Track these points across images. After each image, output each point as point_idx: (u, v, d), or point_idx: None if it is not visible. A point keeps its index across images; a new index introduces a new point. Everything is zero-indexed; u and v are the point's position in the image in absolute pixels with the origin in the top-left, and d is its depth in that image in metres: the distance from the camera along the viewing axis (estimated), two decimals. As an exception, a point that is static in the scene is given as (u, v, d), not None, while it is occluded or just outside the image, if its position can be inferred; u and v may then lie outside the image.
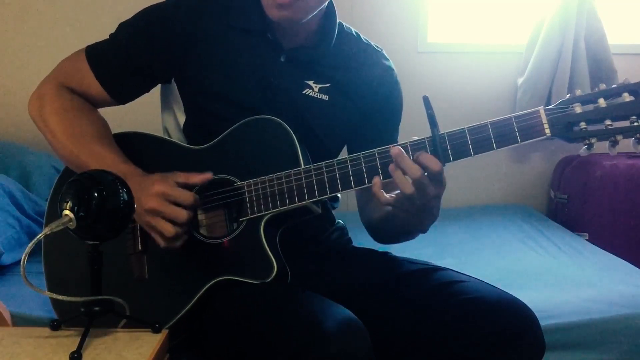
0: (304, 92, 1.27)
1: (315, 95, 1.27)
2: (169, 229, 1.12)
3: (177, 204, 1.13)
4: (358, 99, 1.31)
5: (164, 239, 1.14)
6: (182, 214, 1.13)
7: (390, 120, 1.37)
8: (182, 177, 1.17)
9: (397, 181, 1.08)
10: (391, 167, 1.09)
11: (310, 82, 1.27)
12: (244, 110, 1.23)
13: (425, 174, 1.06)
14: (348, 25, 1.36)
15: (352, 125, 1.32)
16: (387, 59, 1.37)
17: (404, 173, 1.07)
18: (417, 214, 1.12)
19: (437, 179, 1.07)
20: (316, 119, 1.27)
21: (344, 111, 1.30)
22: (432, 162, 1.06)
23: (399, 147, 1.09)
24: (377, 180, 1.10)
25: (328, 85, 1.28)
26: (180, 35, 1.25)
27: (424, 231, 1.21)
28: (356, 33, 1.36)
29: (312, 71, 1.28)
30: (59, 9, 2.41)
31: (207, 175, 1.18)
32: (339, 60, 1.30)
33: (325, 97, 1.28)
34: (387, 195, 1.11)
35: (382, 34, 2.49)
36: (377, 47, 1.37)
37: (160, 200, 1.12)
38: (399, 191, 1.09)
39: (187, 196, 1.14)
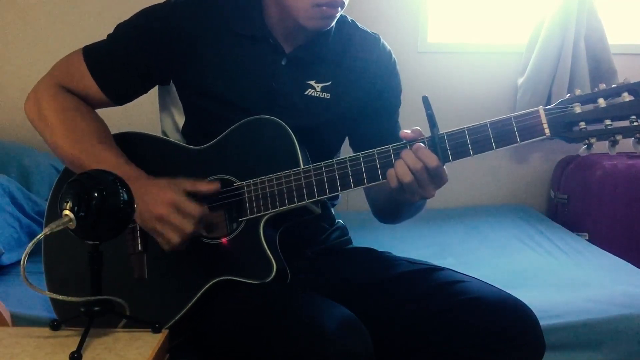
0: (306, 92, 1.27)
1: (317, 95, 1.28)
2: (174, 238, 1.12)
3: (185, 214, 1.13)
4: (358, 89, 1.31)
5: (168, 245, 1.14)
6: (189, 226, 1.12)
7: (390, 104, 1.37)
8: (189, 184, 1.16)
9: (398, 170, 1.09)
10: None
11: (312, 82, 1.28)
12: (244, 112, 1.23)
13: (425, 168, 1.07)
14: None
15: (353, 118, 1.32)
16: (384, 44, 1.36)
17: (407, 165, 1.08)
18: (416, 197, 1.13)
19: (437, 174, 1.08)
20: (318, 118, 1.27)
21: (345, 106, 1.30)
22: (430, 158, 1.07)
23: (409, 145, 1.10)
24: (392, 171, 1.11)
25: (329, 83, 1.28)
26: (179, 36, 1.24)
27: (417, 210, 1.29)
28: (351, 20, 1.36)
29: (313, 71, 1.28)
30: (58, 9, 2.41)
31: (215, 185, 1.18)
32: (338, 49, 1.30)
33: (327, 96, 1.28)
34: None
35: (382, 34, 2.45)
36: (373, 33, 1.37)
37: (170, 209, 1.11)
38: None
39: (196, 209, 1.13)
